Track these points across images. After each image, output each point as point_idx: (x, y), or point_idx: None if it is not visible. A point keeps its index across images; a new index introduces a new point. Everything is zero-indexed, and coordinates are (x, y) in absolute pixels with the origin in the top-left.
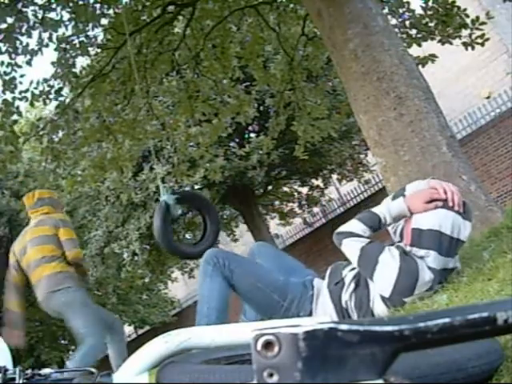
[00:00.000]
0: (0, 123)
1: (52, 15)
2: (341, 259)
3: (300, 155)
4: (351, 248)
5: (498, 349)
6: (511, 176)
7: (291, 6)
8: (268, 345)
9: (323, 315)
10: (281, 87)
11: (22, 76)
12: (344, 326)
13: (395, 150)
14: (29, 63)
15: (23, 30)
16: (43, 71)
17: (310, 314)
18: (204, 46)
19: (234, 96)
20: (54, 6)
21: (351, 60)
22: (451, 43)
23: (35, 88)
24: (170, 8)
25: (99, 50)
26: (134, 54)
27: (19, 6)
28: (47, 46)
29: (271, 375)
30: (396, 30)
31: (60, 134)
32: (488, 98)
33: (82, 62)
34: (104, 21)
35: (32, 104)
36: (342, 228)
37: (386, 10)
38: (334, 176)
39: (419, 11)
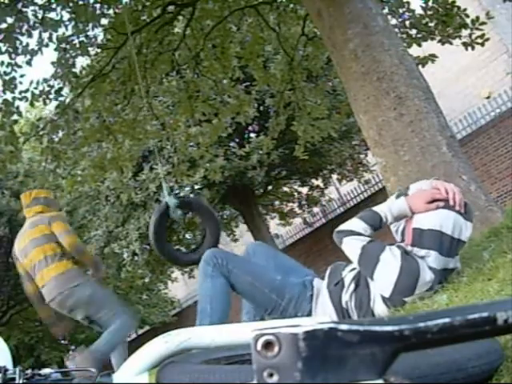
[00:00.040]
0: (0, 123)
1: (52, 15)
2: (341, 259)
3: (300, 155)
4: (352, 246)
5: (498, 349)
6: (511, 176)
7: (291, 5)
8: (268, 345)
9: (323, 315)
10: (281, 87)
11: (22, 76)
12: (344, 326)
13: (395, 150)
14: (29, 63)
15: (23, 30)
16: (43, 71)
17: (309, 314)
18: (204, 45)
19: (234, 96)
20: (54, 5)
21: (351, 60)
22: (451, 43)
23: (35, 88)
24: (170, 8)
25: (99, 50)
26: (136, 53)
27: (19, 5)
28: (47, 45)
29: (271, 375)
30: (396, 30)
31: (60, 134)
32: (488, 98)
33: (82, 62)
34: (104, 21)
35: (32, 104)
36: (343, 226)
37: (386, 10)
38: (334, 176)
39: (419, 11)
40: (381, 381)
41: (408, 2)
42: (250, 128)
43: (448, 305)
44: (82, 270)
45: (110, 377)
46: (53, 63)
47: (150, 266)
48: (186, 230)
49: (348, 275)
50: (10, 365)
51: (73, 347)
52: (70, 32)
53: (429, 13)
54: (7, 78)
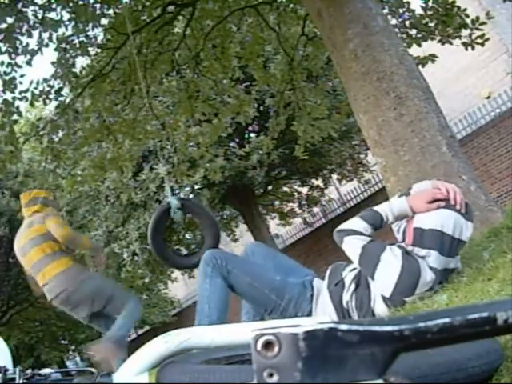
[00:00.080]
0: (0, 123)
1: (52, 15)
2: (341, 259)
3: (300, 155)
4: (352, 246)
5: (498, 349)
6: (511, 176)
7: (291, 5)
8: (268, 345)
9: (323, 315)
10: (281, 87)
11: (22, 76)
12: (344, 326)
13: (395, 150)
14: (29, 63)
15: (23, 30)
16: (43, 71)
17: (309, 315)
18: (204, 45)
19: (234, 96)
20: (54, 5)
21: (351, 60)
22: (451, 43)
23: (35, 88)
24: (170, 8)
25: (99, 50)
26: (135, 54)
27: (19, 5)
28: (47, 45)
29: (271, 375)
30: (396, 30)
31: (60, 134)
32: (488, 98)
33: (82, 62)
34: (104, 21)
35: (32, 104)
36: (344, 226)
37: (386, 10)
38: (334, 176)
39: (419, 11)
40: (381, 381)
41: (408, 2)
42: (250, 128)
43: (448, 305)
44: (83, 266)
45: (110, 377)
46: (53, 63)
47: (149, 265)
48: (186, 230)
49: (348, 275)
50: (10, 365)
51: (73, 347)
52: (70, 32)
53: (429, 13)
54: (7, 77)
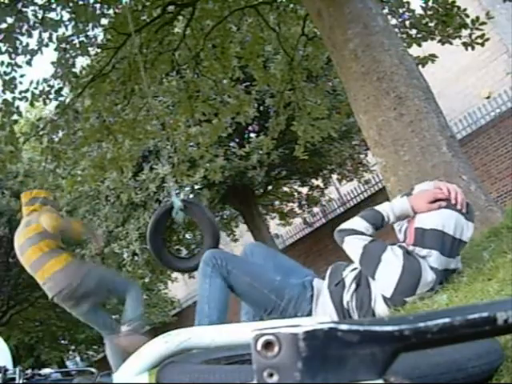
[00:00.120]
0: (0, 123)
1: (52, 15)
2: (341, 259)
3: (300, 155)
4: (353, 246)
5: (498, 349)
6: (511, 176)
7: (291, 5)
8: (268, 345)
9: (323, 315)
10: (281, 87)
11: (22, 76)
12: (344, 326)
13: (395, 150)
14: (29, 63)
15: (23, 30)
16: (43, 71)
17: (309, 315)
18: (204, 45)
19: (234, 96)
20: (54, 5)
21: (351, 60)
22: (451, 43)
23: (35, 88)
24: (170, 8)
25: (99, 50)
26: (134, 54)
27: (19, 5)
28: (47, 45)
29: (271, 375)
30: (396, 30)
31: (60, 134)
32: (488, 98)
33: (82, 62)
34: (104, 21)
35: (32, 104)
36: (345, 225)
37: (386, 10)
38: (334, 176)
39: (419, 11)
40: (381, 381)
41: (408, 2)
42: (250, 128)
43: (448, 305)
44: (80, 262)
45: (110, 377)
46: (53, 63)
47: (149, 265)
48: (186, 230)
49: (349, 275)
50: (10, 365)
51: (73, 347)
52: (70, 32)
53: (429, 13)
54: (7, 77)
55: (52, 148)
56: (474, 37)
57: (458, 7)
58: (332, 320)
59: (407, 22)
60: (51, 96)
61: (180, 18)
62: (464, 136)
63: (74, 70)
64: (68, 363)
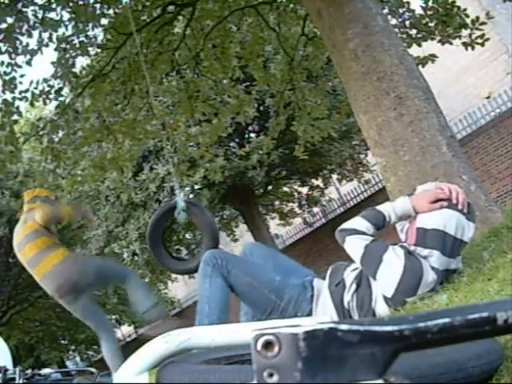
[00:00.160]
0: (0, 123)
1: (52, 15)
2: (341, 259)
3: (300, 155)
4: (355, 246)
5: (498, 349)
6: (511, 176)
7: (291, 5)
8: (268, 345)
9: (323, 315)
10: (281, 87)
11: (22, 76)
12: (344, 326)
13: (395, 150)
14: (29, 63)
15: (23, 30)
16: (43, 71)
17: (309, 315)
18: (204, 46)
19: (234, 96)
20: (54, 5)
21: (351, 60)
22: (451, 43)
23: (35, 88)
24: (170, 8)
25: (99, 50)
26: (134, 54)
27: (19, 5)
28: (47, 45)
29: (271, 375)
30: (396, 30)
31: (60, 134)
32: (488, 98)
33: (82, 62)
34: (104, 21)
35: (32, 104)
36: (346, 225)
37: (386, 10)
38: (334, 176)
39: (419, 11)
40: (381, 381)
41: (408, 2)
42: (250, 128)
43: (448, 305)
44: (76, 256)
45: (110, 377)
46: (53, 63)
47: (149, 265)
48: (186, 230)
49: (349, 275)
50: (10, 365)
51: (73, 347)
52: (70, 32)
53: (429, 13)
54: (7, 78)
55: (52, 148)
56: (474, 37)
57: (458, 7)
58: (332, 320)
59: (407, 22)
60: (51, 96)
61: (180, 18)
62: (464, 136)
63: (74, 70)
64: (68, 363)
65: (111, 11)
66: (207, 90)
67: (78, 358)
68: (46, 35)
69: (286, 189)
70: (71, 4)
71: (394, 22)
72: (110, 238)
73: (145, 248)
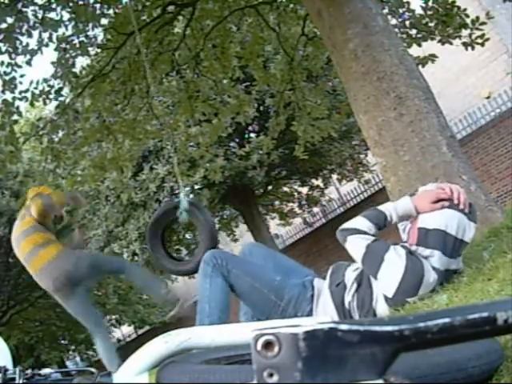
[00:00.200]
0: (0, 123)
1: (52, 15)
2: (341, 259)
3: (300, 155)
4: (356, 245)
5: (498, 349)
6: (511, 176)
7: (291, 5)
8: (268, 345)
9: (324, 315)
10: (281, 87)
11: (22, 76)
12: (344, 326)
13: (395, 150)
14: (29, 63)
15: (23, 30)
16: (43, 71)
17: (309, 315)
18: (204, 46)
19: (234, 96)
20: (54, 5)
21: (351, 60)
22: (451, 43)
23: (35, 88)
24: (170, 8)
25: (99, 50)
26: (134, 54)
27: (19, 5)
28: (47, 45)
29: (271, 375)
30: (396, 30)
31: (60, 134)
32: (488, 97)
33: (82, 62)
34: (104, 21)
35: (32, 104)
36: (347, 224)
37: (386, 10)
38: (334, 176)
39: (419, 11)
40: (381, 381)
41: (408, 2)
42: (250, 128)
43: (448, 305)
44: (71, 250)
45: (110, 377)
46: (53, 63)
47: (149, 265)
48: (186, 230)
49: (350, 275)
50: (10, 365)
51: (73, 347)
52: (70, 32)
53: (429, 13)
54: (7, 78)
55: (52, 148)
56: (474, 37)
57: (458, 7)
58: (332, 320)
59: (407, 22)
60: (51, 96)
61: (180, 18)
62: (464, 136)
63: (74, 70)
64: (68, 363)
65: (111, 11)
66: (207, 90)
67: (78, 358)
68: (46, 35)
69: (286, 189)
70: (71, 4)
71: (394, 22)
72: (110, 238)
73: (145, 248)
